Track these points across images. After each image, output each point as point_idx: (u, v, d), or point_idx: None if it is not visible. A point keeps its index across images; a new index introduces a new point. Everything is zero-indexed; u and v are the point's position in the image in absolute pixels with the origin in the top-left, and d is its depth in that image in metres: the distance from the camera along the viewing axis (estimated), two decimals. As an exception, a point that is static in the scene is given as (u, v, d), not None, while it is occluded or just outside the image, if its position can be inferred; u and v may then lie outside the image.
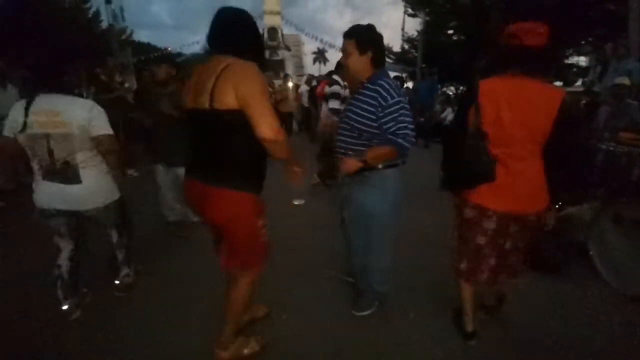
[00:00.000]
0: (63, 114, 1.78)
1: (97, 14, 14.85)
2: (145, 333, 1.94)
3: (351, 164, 1.72)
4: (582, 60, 14.36)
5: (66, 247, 2.02)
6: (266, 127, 1.34)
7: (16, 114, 1.78)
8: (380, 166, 1.76)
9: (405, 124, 1.64)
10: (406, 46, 17.56)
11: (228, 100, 1.33)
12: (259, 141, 1.37)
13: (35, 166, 1.86)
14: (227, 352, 1.67)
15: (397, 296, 2.24)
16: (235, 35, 1.45)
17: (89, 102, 1.91)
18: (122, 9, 12.36)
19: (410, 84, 10.16)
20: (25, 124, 1.75)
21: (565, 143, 1.57)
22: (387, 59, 17.78)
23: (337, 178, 4.81)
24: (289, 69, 17.17)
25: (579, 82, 11.45)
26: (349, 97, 4.20)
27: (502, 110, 1.51)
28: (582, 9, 10.27)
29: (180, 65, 3.51)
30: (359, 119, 1.71)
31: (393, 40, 57.54)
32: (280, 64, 19.96)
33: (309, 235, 3.22)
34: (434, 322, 2.08)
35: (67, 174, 1.84)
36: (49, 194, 1.86)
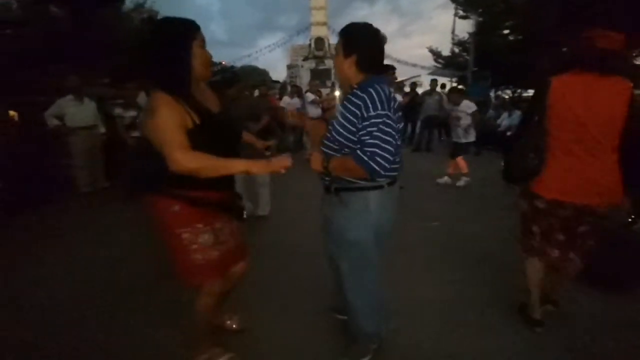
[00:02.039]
0: None
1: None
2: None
3: (317, 162, 1.55)
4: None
5: None
6: (171, 162, 1.29)
7: None
8: (358, 182, 1.52)
9: (377, 142, 1.37)
10: (456, 49, 16.89)
11: (147, 132, 1.37)
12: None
13: None
14: (201, 357, 1.71)
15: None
16: (145, 62, 1.40)
17: None
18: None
19: (420, 90, 9.52)
20: None
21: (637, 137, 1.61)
22: (435, 64, 17.43)
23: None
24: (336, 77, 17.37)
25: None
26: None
27: (575, 106, 1.61)
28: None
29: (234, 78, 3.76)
30: (339, 129, 1.47)
31: (442, 44, 55.74)
32: (327, 73, 20.33)
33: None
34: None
35: None
36: None
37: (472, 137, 5.18)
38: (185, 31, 1.37)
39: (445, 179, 5.29)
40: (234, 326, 1.99)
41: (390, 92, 1.47)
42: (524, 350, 1.89)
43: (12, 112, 6.36)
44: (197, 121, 1.37)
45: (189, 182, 1.37)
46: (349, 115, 1.44)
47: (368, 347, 1.79)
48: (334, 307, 2.10)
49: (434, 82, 8.75)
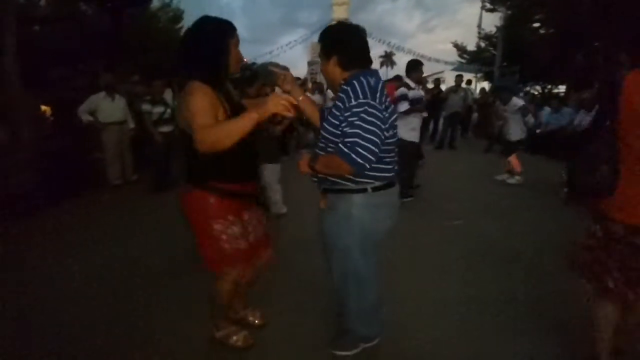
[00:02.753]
0: None
1: (187, 32, 16.74)
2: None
3: (303, 163, 1.52)
4: None
5: None
6: (197, 144, 1.36)
7: None
8: (342, 184, 1.48)
9: (357, 132, 1.30)
10: (482, 44, 16.34)
11: (182, 122, 1.47)
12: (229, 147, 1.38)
13: None
14: (219, 334, 1.87)
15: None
16: (183, 54, 1.50)
17: None
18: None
19: (443, 87, 9.16)
20: None
21: None
22: (460, 59, 16.95)
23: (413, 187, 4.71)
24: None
25: None
26: (418, 97, 4.18)
27: None
28: None
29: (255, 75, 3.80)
30: (326, 125, 1.44)
31: (467, 38, 54.11)
32: (348, 69, 20.17)
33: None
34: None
35: None
36: None
37: (517, 135, 5.14)
38: (225, 30, 1.49)
39: (517, 178, 5.22)
40: (256, 321, 2.04)
41: (378, 83, 1.42)
42: (550, 354, 1.83)
43: (44, 107, 6.71)
44: (229, 113, 1.47)
45: (222, 174, 1.50)
46: (334, 111, 1.41)
47: (355, 345, 1.79)
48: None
49: (459, 78, 8.52)
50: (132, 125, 5.11)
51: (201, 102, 1.39)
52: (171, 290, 2.44)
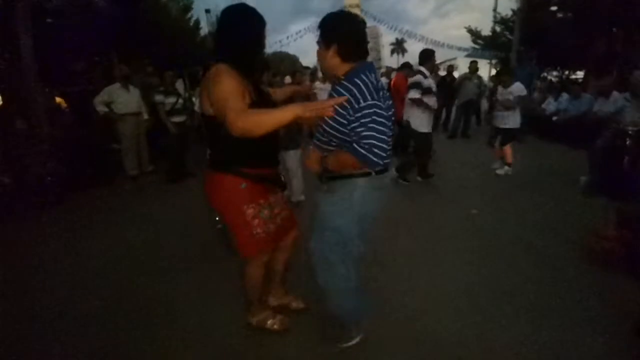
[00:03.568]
0: None
1: (197, 22, 16.70)
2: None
3: (313, 160, 1.55)
4: None
5: None
6: (230, 126, 1.34)
7: None
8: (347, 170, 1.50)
9: (372, 133, 1.34)
10: (498, 29, 15.82)
11: (207, 107, 1.50)
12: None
13: None
14: (254, 319, 1.93)
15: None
16: (216, 38, 1.55)
17: None
18: (217, 18, 13.74)
19: (456, 74, 8.87)
20: None
21: None
22: (474, 45, 16.47)
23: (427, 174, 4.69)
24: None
25: None
26: (429, 87, 4.13)
27: None
28: None
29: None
30: (329, 121, 1.44)
31: (481, 23, 52.45)
32: (359, 57, 19.89)
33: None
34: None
35: None
36: None
37: (514, 123, 4.83)
38: (261, 20, 1.55)
39: (506, 168, 4.95)
40: (300, 306, 2.09)
41: (377, 81, 1.45)
42: (566, 342, 1.83)
43: (59, 99, 6.84)
44: (254, 98, 1.51)
45: (250, 159, 1.56)
46: (338, 108, 1.40)
47: (351, 334, 1.79)
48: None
49: (473, 64, 8.24)
50: (146, 116, 5.19)
51: (231, 84, 1.42)
52: (190, 276, 2.52)
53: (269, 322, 1.92)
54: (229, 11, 1.54)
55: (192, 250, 2.89)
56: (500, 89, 4.93)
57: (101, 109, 4.85)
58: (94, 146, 5.28)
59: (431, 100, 4.16)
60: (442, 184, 4.59)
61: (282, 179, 1.81)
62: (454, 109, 8.39)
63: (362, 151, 1.34)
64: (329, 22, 1.49)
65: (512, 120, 4.80)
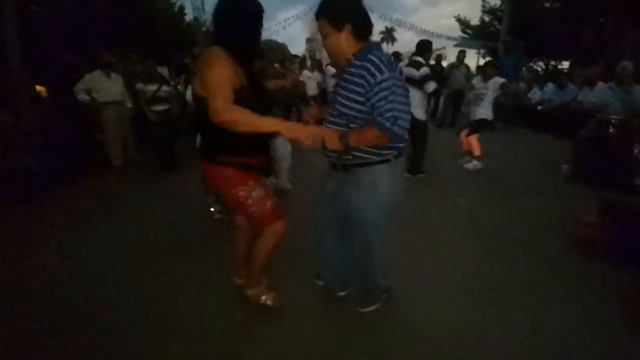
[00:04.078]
0: None
1: (181, 7, 16.20)
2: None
3: (331, 138, 1.45)
4: None
5: None
6: (212, 112, 1.40)
7: None
8: (366, 157, 1.52)
9: (394, 105, 1.36)
10: (487, 18, 15.85)
11: (198, 88, 1.52)
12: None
13: None
14: (250, 292, 1.99)
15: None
16: (215, 23, 1.57)
17: None
18: (203, 3, 13.36)
19: (445, 63, 8.91)
20: None
21: None
22: (463, 34, 16.48)
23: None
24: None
25: None
26: (426, 74, 4.08)
27: None
28: None
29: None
30: (345, 102, 1.45)
31: (471, 12, 52.35)
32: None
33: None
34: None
35: None
36: None
37: (486, 114, 4.69)
38: (261, 10, 1.57)
39: (474, 163, 4.79)
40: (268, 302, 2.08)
41: (390, 58, 1.47)
42: (556, 331, 1.87)
43: (39, 88, 6.58)
44: (245, 83, 1.52)
45: (237, 149, 1.57)
46: (353, 87, 1.42)
47: (379, 297, 1.98)
48: (316, 274, 2.14)
49: (461, 54, 8.29)
50: (130, 104, 5.04)
51: (225, 72, 1.44)
52: (184, 267, 2.49)
53: (263, 297, 1.97)
54: (227, 10, 1.54)
55: (186, 243, 2.84)
56: (478, 80, 4.88)
57: (82, 97, 4.67)
58: (77, 136, 5.12)
59: (421, 91, 4.07)
60: (429, 173, 4.61)
61: (271, 167, 1.85)
62: (442, 99, 8.42)
63: (387, 124, 1.36)
64: (339, 2, 1.49)
65: (483, 111, 4.67)
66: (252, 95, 1.54)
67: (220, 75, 1.42)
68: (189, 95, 3.84)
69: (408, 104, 1.44)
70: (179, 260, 2.59)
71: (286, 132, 1.45)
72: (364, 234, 1.71)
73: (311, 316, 2.01)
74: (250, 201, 1.67)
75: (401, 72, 1.50)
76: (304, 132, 1.45)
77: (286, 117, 3.65)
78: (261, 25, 1.59)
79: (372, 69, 1.37)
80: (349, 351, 1.75)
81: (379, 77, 1.36)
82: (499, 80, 4.68)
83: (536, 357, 1.70)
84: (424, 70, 4.05)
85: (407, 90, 1.48)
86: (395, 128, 1.36)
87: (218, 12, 1.55)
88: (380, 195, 1.59)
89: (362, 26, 1.47)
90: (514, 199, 3.75)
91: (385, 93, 1.36)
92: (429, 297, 2.15)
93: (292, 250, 2.39)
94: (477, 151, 4.72)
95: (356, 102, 1.43)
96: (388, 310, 1.99)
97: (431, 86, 3.98)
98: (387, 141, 1.43)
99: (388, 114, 1.35)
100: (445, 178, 4.49)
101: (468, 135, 4.77)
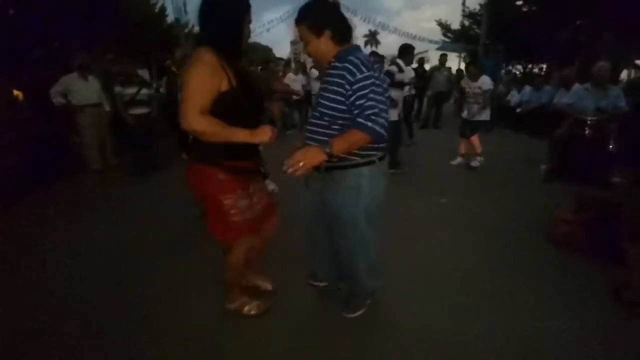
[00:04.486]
0: None
1: (163, 9, 15.93)
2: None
3: (314, 154, 1.42)
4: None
5: None
6: (182, 118, 1.39)
7: None
8: (350, 159, 1.53)
9: (373, 103, 1.37)
10: (467, 22, 16.26)
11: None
12: (230, 122, 1.46)
13: None
14: (232, 305, 1.94)
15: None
16: (200, 22, 1.52)
17: None
18: (185, 4, 13.18)
19: (427, 67, 9.24)
20: None
21: None
22: (445, 38, 16.85)
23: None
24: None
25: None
26: (401, 81, 4.21)
27: None
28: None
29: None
30: (327, 103, 1.46)
31: (452, 16, 53.66)
32: (332, 48, 19.71)
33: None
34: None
35: None
36: None
37: (486, 116, 4.86)
38: (244, 7, 1.51)
39: (459, 160, 5.04)
40: (268, 287, 2.12)
41: (370, 59, 1.49)
42: (534, 324, 1.91)
43: (16, 92, 6.35)
44: (234, 84, 1.47)
45: (230, 152, 1.54)
46: (334, 87, 1.43)
47: (365, 302, 1.95)
48: (309, 275, 2.18)
49: (443, 57, 8.49)
50: (108, 107, 4.90)
51: (201, 79, 1.40)
52: (169, 270, 2.44)
53: (246, 308, 1.94)
54: (209, 7, 1.50)
55: (169, 243, 2.79)
56: (466, 81, 4.99)
57: (58, 100, 4.52)
58: (53, 139, 4.94)
59: (396, 93, 4.23)
60: (413, 173, 4.67)
61: (262, 170, 1.81)
62: (425, 100, 8.57)
63: (368, 123, 1.36)
64: (317, 9, 1.51)
65: (483, 113, 4.81)
66: (243, 96, 1.51)
67: (197, 83, 1.40)
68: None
69: (386, 104, 1.45)
70: (177, 261, 2.55)
71: (257, 140, 1.49)
72: (346, 234, 1.71)
73: (307, 317, 1.99)
74: (233, 211, 1.62)
75: (384, 73, 1.53)
76: (268, 134, 1.49)
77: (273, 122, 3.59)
78: (249, 21, 1.53)
79: (352, 69, 1.39)
80: (348, 351, 1.74)
81: (358, 76, 1.38)
82: (486, 78, 4.77)
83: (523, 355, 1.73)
84: (391, 68, 4.20)
85: (386, 90, 1.49)
86: (376, 126, 1.37)
87: (201, 11, 1.50)
88: (363, 196, 1.59)
89: (341, 31, 1.50)
90: (494, 194, 3.83)
91: (365, 91, 1.37)
92: (423, 296, 2.16)
93: (285, 251, 2.38)
94: (478, 149, 4.91)
95: (338, 102, 1.44)
96: (375, 309, 1.99)
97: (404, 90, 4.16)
98: (369, 141, 1.42)
99: (367, 112, 1.37)
100: (428, 177, 4.55)
101: (468, 137, 4.92)
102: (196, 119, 1.38)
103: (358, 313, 1.92)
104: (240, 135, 1.46)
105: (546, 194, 3.80)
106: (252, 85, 1.63)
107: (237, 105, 1.48)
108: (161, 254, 2.67)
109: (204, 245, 2.63)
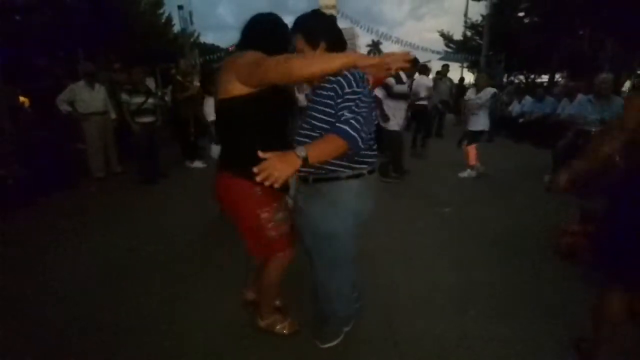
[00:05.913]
0: None
1: (169, 18, 16.20)
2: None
3: (288, 162, 1.21)
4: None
5: None
6: (286, 78, 1.36)
7: None
8: (340, 171, 1.48)
9: (355, 116, 1.33)
10: (469, 33, 16.42)
11: (229, 87, 1.45)
12: (264, 129, 1.45)
13: None
14: (263, 322, 1.89)
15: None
16: (255, 35, 1.56)
17: None
18: (191, 14, 13.39)
19: (430, 75, 9.35)
20: None
21: None
22: (447, 48, 17.01)
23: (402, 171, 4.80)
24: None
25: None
26: (402, 93, 4.26)
27: None
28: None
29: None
30: (318, 115, 1.43)
31: (454, 27, 54.13)
32: (336, 57, 19.96)
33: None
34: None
35: None
36: None
37: (484, 125, 4.88)
38: (289, 33, 1.56)
39: (468, 172, 4.97)
40: (276, 304, 2.03)
41: (362, 74, 1.44)
42: (535, 336, 1.89)
43: (22, 99, 6.45)
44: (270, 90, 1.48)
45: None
46: (326, 100, 1.41)
47: (340, 330, 1.82)
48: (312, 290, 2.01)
49: (445, 67, 8.57)
50: (113, 115, 4.95)
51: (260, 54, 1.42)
52: (170, 279, 2.43)
53: (279, 326, 1.88)
54: (271, 16, 1.59)
55: (172, 253, 2.78)
56: (471, 92, 5.02)
57: (64, 108, 4.59)
58: (58, 146, 4.99)
59: (395, 105, 4.40)
60: (417, 182, 4.68)
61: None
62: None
63: (346, 127, 1.31)
64: (311, 22, 1.49)
65: (480, 122, 4.85)
66: (274, 95, 1.51)
67: (261, 55, 1.42)
68: (208, 109, 3.74)
69: (370, 117, 1.42)
70: (179, 269, 2.54)
71: (357, 61, 1.34)
72: (322, 251, 1.60)
73: (309, 333, 1.92)
74: (270, 225, 1.57)
75: (370, 95, 1.50)
76: (367, 57, 1.40)
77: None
78: (292, 45, 1.56)
79: (343, 83, 1.38)
80: (330, 350, 1.74)
81: (347, 89, 1.37)
82: (490, 90, 4.84)
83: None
84: (389, 80, 4.26)
85: (371, 109, 1.46)
86: (354, 133, 1.30)
87: (249, 34, 1.57)
88: (346, 211, 1.52)
89: (336, 44, 1.50)
90: (497, 204, 3.81)
91: (350, 104, 1.36)
92: (413, 296, 2.15)
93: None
94: (472, 161, 4.90)
95: (328, 114, 1.42)
96: (377, 322, 1.97)
97: (377, 92, 4.29)
98: (346, 150, 1.33)
99: (347, 116, 1.33)
100: (432, 186, 4.54)
101: (468, 145, 4.94)
102: (297, 64, 1.32)
103: (333, 343, 1.78)
104: (342, 58, 1.35)
105: (550, 204, 3.78)
106: (284, 89, 1.62)
107: (267, 103, 1.49)
108: (163, 262, 2.66)
109: (206, 254, 2.65)
